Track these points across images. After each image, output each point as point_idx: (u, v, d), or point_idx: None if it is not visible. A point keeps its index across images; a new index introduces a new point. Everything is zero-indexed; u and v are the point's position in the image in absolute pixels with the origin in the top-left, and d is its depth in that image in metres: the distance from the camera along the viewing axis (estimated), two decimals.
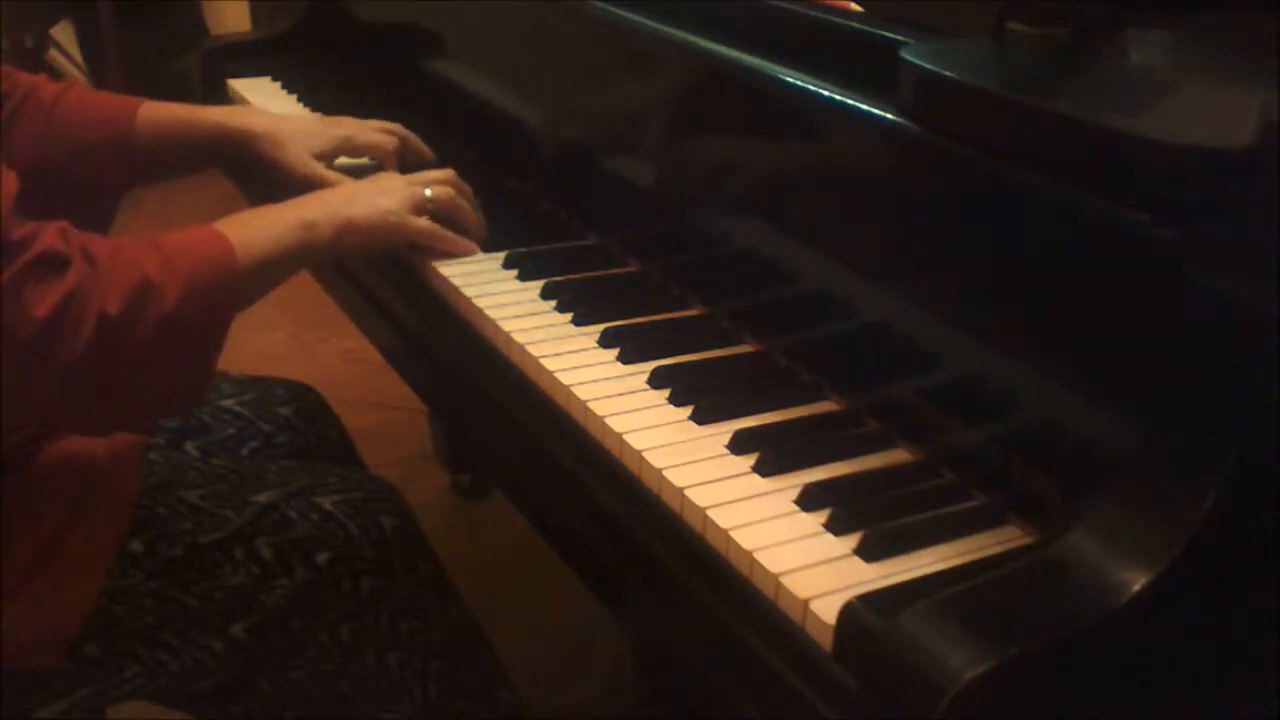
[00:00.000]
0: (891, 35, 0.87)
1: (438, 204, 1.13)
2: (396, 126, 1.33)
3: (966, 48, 0.84)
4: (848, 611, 0.69)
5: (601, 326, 1.02)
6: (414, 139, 1.34)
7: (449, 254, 1.14)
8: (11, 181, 0.85)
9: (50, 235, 0.85)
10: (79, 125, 1.21)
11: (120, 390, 0.91)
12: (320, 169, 1.26)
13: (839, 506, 0.79)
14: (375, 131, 1.32)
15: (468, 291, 1.08)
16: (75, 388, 0.87)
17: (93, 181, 1.24)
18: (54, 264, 0.84)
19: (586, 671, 1.67)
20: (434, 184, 1.14)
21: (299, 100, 1.63)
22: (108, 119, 1.24)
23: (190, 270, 0.92)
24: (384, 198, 1.10)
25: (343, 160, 1.31)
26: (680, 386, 0.93)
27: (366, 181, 1.15)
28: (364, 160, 1.33)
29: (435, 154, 1.38)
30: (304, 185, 1.25)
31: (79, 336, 0.85)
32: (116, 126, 1.24)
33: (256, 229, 1.00)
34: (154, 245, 0.92)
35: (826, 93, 0.89)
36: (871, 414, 0.90)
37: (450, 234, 1.13)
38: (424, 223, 1.12)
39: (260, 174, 1.30)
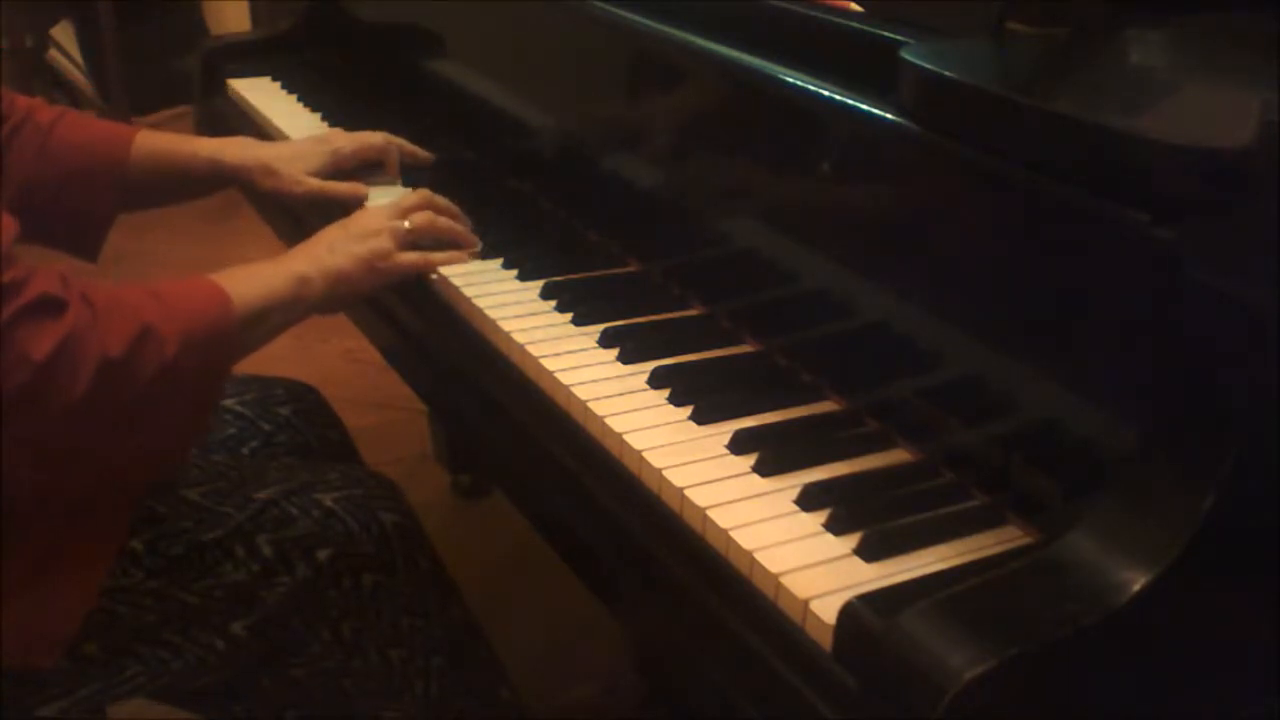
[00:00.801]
0: (891, 35, 0.87)
1: (419, 233, 1.12)
2: (381, 134, 1.34)
3: (966, 48, 0.84)
4: (848, 611, 0.69)
5: (601, 326, 1.02)
6: (405, 145, 1.35)
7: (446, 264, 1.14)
8: (10, 226, 0.84)
9: (46, 279, 0.85)
10: (73, 150, 1.20)
11: (115, 439, 0.91)
12: (317, 183, 1.28)
13: (839, 506, 0.79)
14: (361, 135, 1.33)
15: (468, 291, 1.09)
16: (73, 434, 0.87)
17: (83, 208, 1.23)
18: (50, 307, 0.84)
19: (586, 671, 1.67)
20: (411, 212, 1.13)
21: (299, 100, 1.63)
22: (102, 147, 1.23)
23: (188, 321, 0.92)
24: (361, 244, 1.09)
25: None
26: (680, 386, 0.93)
27: (339, 227, 1.12)
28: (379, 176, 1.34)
29: (435, 154, 1.38)
30: (308, 203, 1.27)
31: (79, 379, 0.84)
32: (111, 154, 1.23)
33: (252, 283, 1.00)
34: (152, 295, 0.92)
35: (826, 93, 0.89)
36: (871, 414, 0.90)
37: (439, 254, 1.13)
38: (411, 256, 1.11)
39: (266, 204, 1.31)
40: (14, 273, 0.83)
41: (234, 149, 1.30)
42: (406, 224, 1.12)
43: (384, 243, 1.10)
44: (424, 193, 1.17)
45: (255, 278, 1.02)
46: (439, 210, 1.16)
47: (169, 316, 0.91)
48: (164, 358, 0.89)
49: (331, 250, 1.08)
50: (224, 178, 1.30)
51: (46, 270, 0.86)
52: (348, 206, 1.25)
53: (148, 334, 0.88)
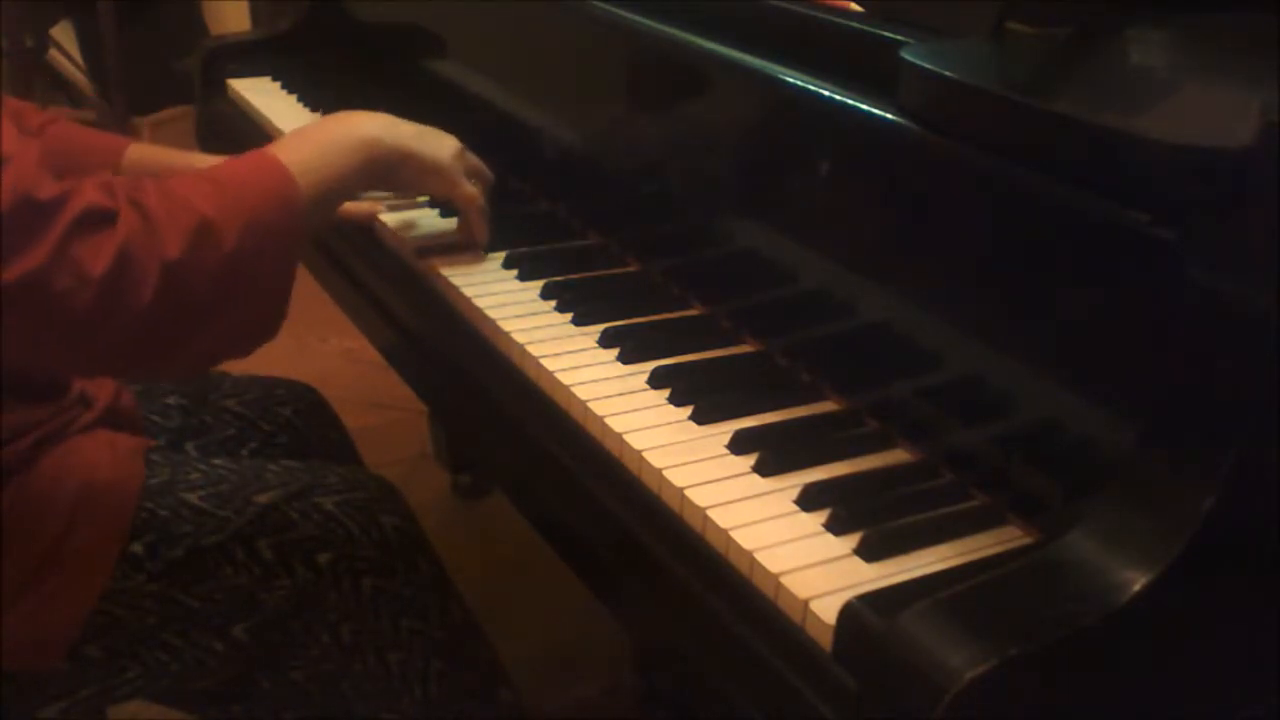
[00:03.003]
0: (891, 35, 0.87)
1: (480, 183, 1.13)
2: None
3: (966, 48, 0.84)
4: (848, 611, 0.69)
5: (601, 326, 1.02)
6: None
7: (463, 239, 1.15)
8: (34, 146, 0.81)
9: (90, 190, 0.81)
10: (64, 155, 1.16)
11: (195, 334, 0.88)
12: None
13: (839, 506, 0.79)
14: None
15: (468, 291, 1.08)
16: (149, 339, 0.84)
17: None
18: (100, 219, 0.80)
19: (586, 671, 1.67)
20: (477, 173, 1.14)
21: (299, 100, 1.63)
22: (93, 154, 1.20)
23: (249, 204, 0.88)
24: (445, 150, 1.10)
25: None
26: (680, 386, 0.93)
27: (433, 130, 1.11)
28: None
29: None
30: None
31: (144, 287, 0.81)
32: (102, 163, 1.20)
33: (316, 153, 0.98)
34: (209, 180, 0.89)
35: (826, 93, 0.89)
36: (871, 414, 0.90)
37: (482, 217, 1.14)
38: (473, 191, 1.12)
39: None
40: (53, 189, 0.79)
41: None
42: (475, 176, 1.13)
43: (457, 157, 1.11)
44: (491, 179, 1.17)
45: (319, 147, 0.99)
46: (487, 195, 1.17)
47: (227, 203, 0.87)
48: (225, 248, 0.85)
49: (418, 136, 1.07)
50: None
51: (88, 181, 0.82)
52: (361, 227, 1.24)
53: (206, 227, 0.84)
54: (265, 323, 0.93)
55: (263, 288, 0.91)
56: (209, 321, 0.88)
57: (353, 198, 1.05)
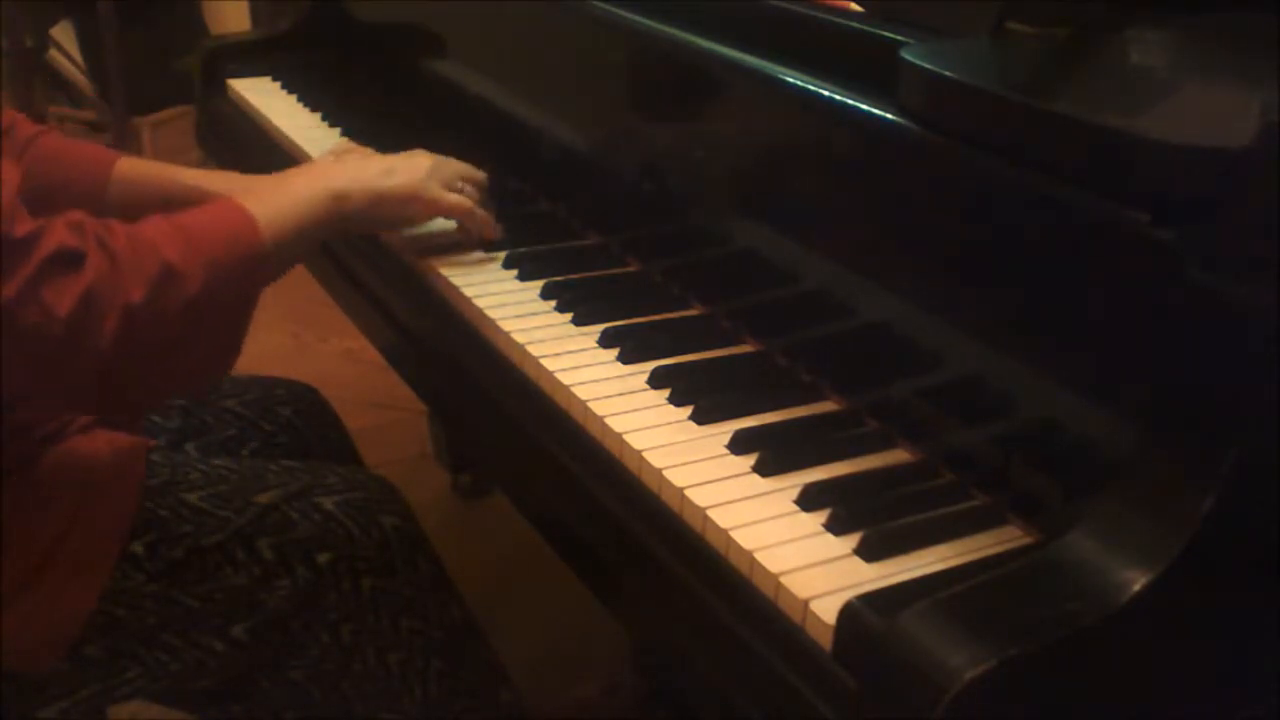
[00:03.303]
0: (891, 35, 0.87)
1: (468, 189, 1.13)
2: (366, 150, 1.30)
3: (966, 48, 0.84)
4: (848, 611, 0.69)
5: (601, 326, 1.02)
6: None
7: (467, 238, 1.15)
8: (12, 178, 0.83)
9: (60, 231, 0.84)
10: (51, 165, 1.16)
11: (152, 373, 0.91)
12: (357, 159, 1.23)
13: (839, 506, 0.79)
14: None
15: (468, 291, 1.08)
16: (108, 378, 0.87)
17: None
18: (68, 261, 0.83)
19: (586, 671, 1.67)
20: (467, 179, 1.14)
21: (299, 100, 1.63)
22: (82, 165, 1.20)
23: (213, 251, 0.91)
24: (418, 171, 1.10)
25: None
26: (680, 386, 0.93)
27: (403, 156, 1.13)
28: None
29: (435, 153, 1.38)
30: None
31: (105, 330, 0.84)
32: (90, 174, 1.19)
33: (284, 202, 0.99)
34: (175, 226, 0.91)
35: (826, 93, 0.89)
36: (871, 414, 0.90)
37: (479, 210, 1.14)
38: (455, 197, 1.12)
39: None
40: (26, 225, 0.82)
41: (220, 178, 1.25)
42: (459, 180, 1.13)
43: (433, 175, 1.11)
44: (484, 176, 1.17)
45: (288, 197, 1.01)
46: (481, 192, 1.17)
47: (192, 250, 0.89)
48: (188, 295, 0.88)
49: (387, 173, 1.08)
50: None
51: (58, 220, 0.85)
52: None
53: (169, 273, 0.87)
54: (220, 362, 0.96)
55: (220, 332, 0.94)
56: (166, 361, 0.91)
57: (321, 242, 1.07)
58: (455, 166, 1.15)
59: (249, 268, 0.94)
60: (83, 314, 0.83)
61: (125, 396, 0.93)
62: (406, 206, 1.09)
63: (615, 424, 0.89)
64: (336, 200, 1.03)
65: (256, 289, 0.96)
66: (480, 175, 1.17)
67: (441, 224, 1.22)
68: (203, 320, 0.90)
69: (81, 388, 0.88)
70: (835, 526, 0.78)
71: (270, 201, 0.99)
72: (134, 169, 1.22)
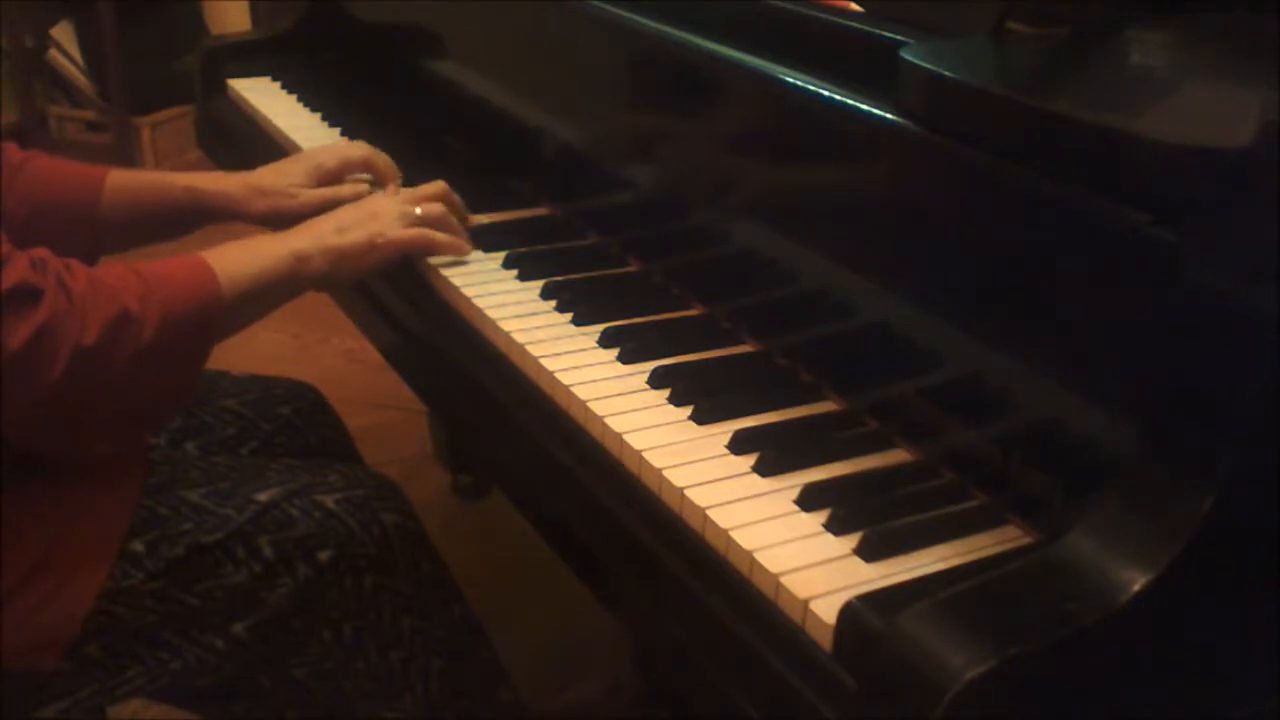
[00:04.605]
0: (891, 35, 0.87)
1: (427, 222, 1.13)
2: (361, 144, 1.30)
3: (966, 48, 0.84)
4: (847, 611, 0.69)
5: (601, 326, 1.02)
6: (382, 156, 1.29)
7: (444, 253, 1.14)
8: None
9: (21, 266, 0.86)
10: (43, 186, 1.16)
11: (97, 415, 0.93)
12: (316, 192, 1.23)
13: (839, 506, 0.79)
14: (343, 148, 1.29)
15: (468, 291, 1.09)
16: (52, 414, 0.90)
17: (53, 246, 1.21)
18: (26, 296, 0.85)
19: (586, 671, 1.67)
20: (425, 200, 1.14)
21: (299, 100, 1.63)
22: (74, 184, 1.19)
23: (170, 300, 0.93)
24: (374, 221, 1.10)
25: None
26: (680, 386, 0.93)
27: (354, 207, 1.13)
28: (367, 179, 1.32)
29: (435, 154, 1.38)
30: (311, 215, 1.19)
31: (53, 367, 0.86)
32: (82, 191, 1.19)
33: (244, 260, 1.01)
34: (135, 273, 0.93)
35: (826, 93, 0.89)
36: (871, 414, 0.90)
37: (439, 235, 1.13)
38: (410, 232, 1.12)
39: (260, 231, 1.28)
40: None
41: (210, 178, 1.26)
42: (418, 210, 1.12)
43: (391, 221, 1.11)
44: (440, 184, 1.17)
45: (249, 254, 1.02)
46: (452, 207, 1.17)
47: (149, 297, 0.91)
48: (140, 341, 0.90)
49: (340, 230, 1.08)
50: (205, 207, 1.24)
51: (21, 256, 0.87)
52: None
53: (125, 319, 0.89)
54: (169, 403, 1.00)
55: (169, 380, 0.96)
56: (113, 404, 0.93)
57: (286, 301, 1.07)
58: (412, 196, 1.14)
59: (204, 319, 0.96)
60: (34, 349, 0.85)
61: (73, 436, 0.95)
62: (365, 257, 1.09)
63: (615, 424, 0.89)
64: (298, 260, 1.04)
65: (207, 343, 0.97)
66: (438, 188, 1.16)
67: None
68: (153, 369, 0.93)
69: (29, 420, 0.90)
70: (835, 526, 0.78)
71: (232, 258, 1.00)
72: (125, 180, 1.22)
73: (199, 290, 0.96)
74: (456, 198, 1.19)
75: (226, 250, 1.01)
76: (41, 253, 0.89)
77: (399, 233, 1.11)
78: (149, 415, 0.99)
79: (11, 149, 1.17)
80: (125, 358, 0.90)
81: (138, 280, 0.92)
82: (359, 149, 1.28)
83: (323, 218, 1.11)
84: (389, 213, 1.11)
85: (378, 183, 1.27)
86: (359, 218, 1.11)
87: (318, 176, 1.26)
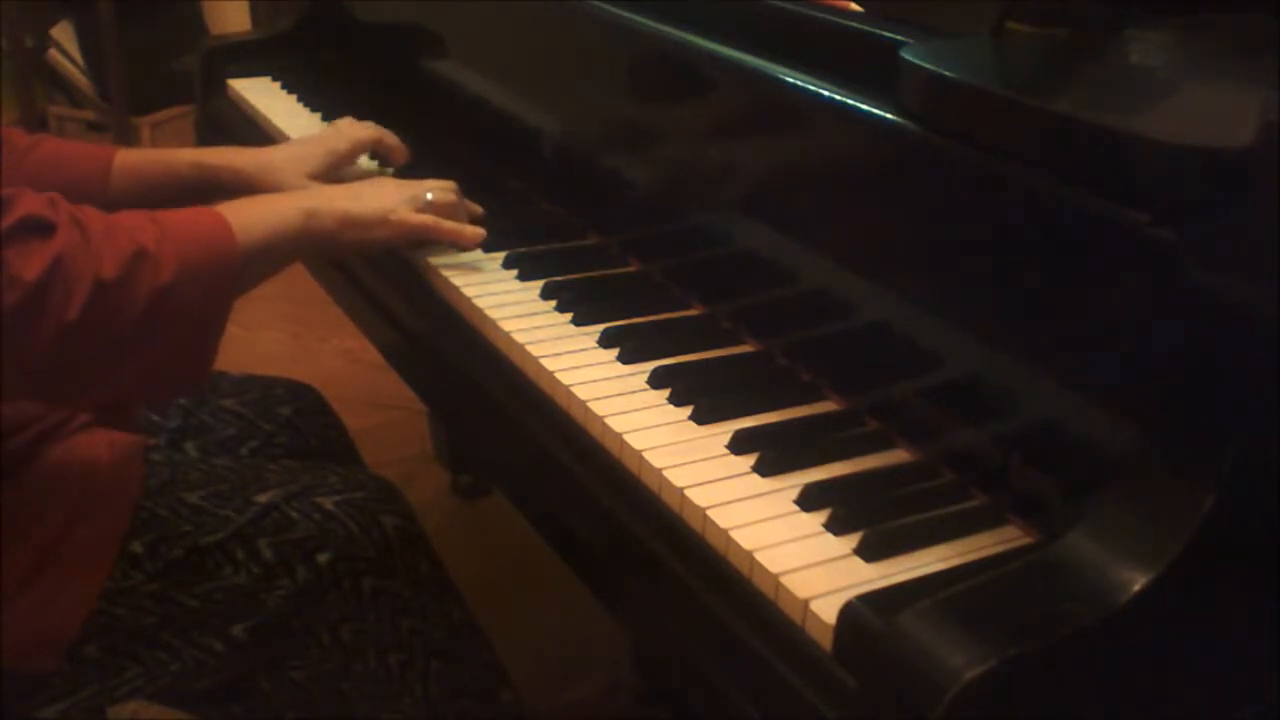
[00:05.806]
0: (891, 35, 0.87)
1: (438, 209, 1.13)
2: (371, 126, 1.31)
3: (966, 48, 0.84)
4: (847, 611, 0.69)
5: (601, 326, 1.02)
6: (391, 136, 1.31)
7: (453, 245, 1.14)
8: None
9: (32, 200, 0.84)
10: (50, 169, 1.16)
11: (116, 364, 0.89)
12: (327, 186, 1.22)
13: (839, 506, 0.79)
14: (353, 130, 1.30)
15: (468, 291, 1.08)
16: (70, 356, 0.86)
17: None
18: (38, 228, 0.83)
19: (586, 671, 1.67)
20: (436, 189, 1.14)
21: (299, 100, 1.63)
22: (81, 165, 1.20)
23: (187, 246, 0.91)
24: (385, 198, 1.10)
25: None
26: (680, 386, 0.93)
27: (369, 183, 1.15)
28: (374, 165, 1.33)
29: (435, 154, 1.38)
30: None
31: (73, 300, 0.83)
32: (90, 171, 1.20)
33: (257, 214, 1.00)
34: (151, 219, 0.91)
35: (826, 93, 0.89)
36: (871, 414, 0.90)
37: (449, 223, 1.13)
38: (423, 216, 1.12)
39: None
40: None
41: (219, 153, 1.27)
42: (429, 195, 1.13)
43: (402, 201, 1.11)
44: (451, 182, 1.17)
45: (262, 210, 1.01)
46: (459, 200, 1.16)
47: (166, 241, 0.90)
48: (159, 281, 0.88)
49: (353, 197, 1.09)
50: (213, 181, 1.24)
51: (32, 193, 0.85)
52: None
53: (142, 256, 0.87)
54: (188, 371, 0.95)
55: (188, 332, 0.93)
56: (131, 353, 0.89)
57: (294, 260, 1.07)
58: (422, 185, 1.14)
59: (220, 269, 0.94)
60: (50, 280, 0.82)
61: (89, 385, 0.92)
62: (374, 230, 1.09)
63: (615, 424, 0.89)
64: (308, 217, 1.04)
65: (225, 295, 0.95)
66: (448, 183, 1.17)
67: None
68: (170, 314, 0.89)
69: (43, 364, 0.86)
70: (835, 526, 0.78)
71: (244, 211, 0.99)
72: (133, 159, 1.23)
73: (214, 238, 0.94)
74: (465, 200, 1.18)
75: (241, 204, 1.01)
76: (54, 195, 0.87)
77: (412, 217, 1.11)
78: (165, 376, 0.94)
79: (17, 134, 1.18)
80: (144, 296, 0.87)
81: (154, 225, 0.90)
82: (369, 129, 1.30)
83: (338, 186, 1.11)
84: (402, 193, 1.12)
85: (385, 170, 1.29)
86: (374, 191, 1.11)
87: (332, 162, 1.26)
